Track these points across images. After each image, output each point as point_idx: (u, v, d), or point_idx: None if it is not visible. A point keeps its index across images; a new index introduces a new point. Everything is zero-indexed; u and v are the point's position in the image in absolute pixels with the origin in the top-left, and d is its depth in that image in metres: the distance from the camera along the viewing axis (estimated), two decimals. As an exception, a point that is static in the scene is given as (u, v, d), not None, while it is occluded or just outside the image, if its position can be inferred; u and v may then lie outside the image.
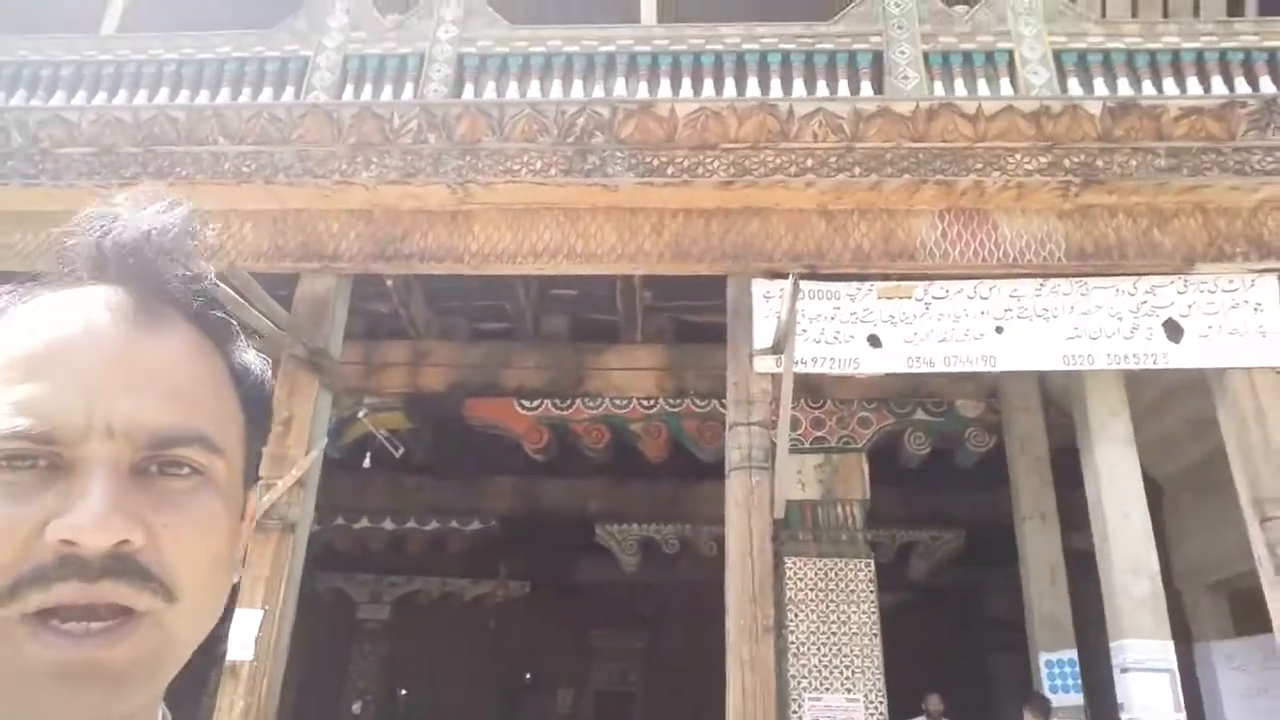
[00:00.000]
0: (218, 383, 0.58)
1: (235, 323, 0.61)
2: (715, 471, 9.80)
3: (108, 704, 0.49)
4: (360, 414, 7.10)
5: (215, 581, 0.55)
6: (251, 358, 0.62)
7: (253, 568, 5.23)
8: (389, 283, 6.97)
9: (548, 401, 7.55)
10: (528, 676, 16.57)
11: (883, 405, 7.40)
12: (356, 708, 13.31)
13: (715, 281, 6.46)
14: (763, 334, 5.39)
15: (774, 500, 5.02)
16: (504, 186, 5.73)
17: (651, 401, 7.48)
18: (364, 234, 5.99)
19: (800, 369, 5.20)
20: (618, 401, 7.51)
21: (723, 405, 7.35)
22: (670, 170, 5.59)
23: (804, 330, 5.27)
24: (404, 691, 15.31)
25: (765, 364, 5.29)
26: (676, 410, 7.45)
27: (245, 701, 4.96)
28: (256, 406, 0.62)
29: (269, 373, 0.64)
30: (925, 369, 5.33)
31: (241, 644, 5.07)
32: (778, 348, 5.16)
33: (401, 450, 7.57)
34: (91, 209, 0.55)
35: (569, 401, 7.54)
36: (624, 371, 7.58)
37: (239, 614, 5.12)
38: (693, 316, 7.86)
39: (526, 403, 7.55)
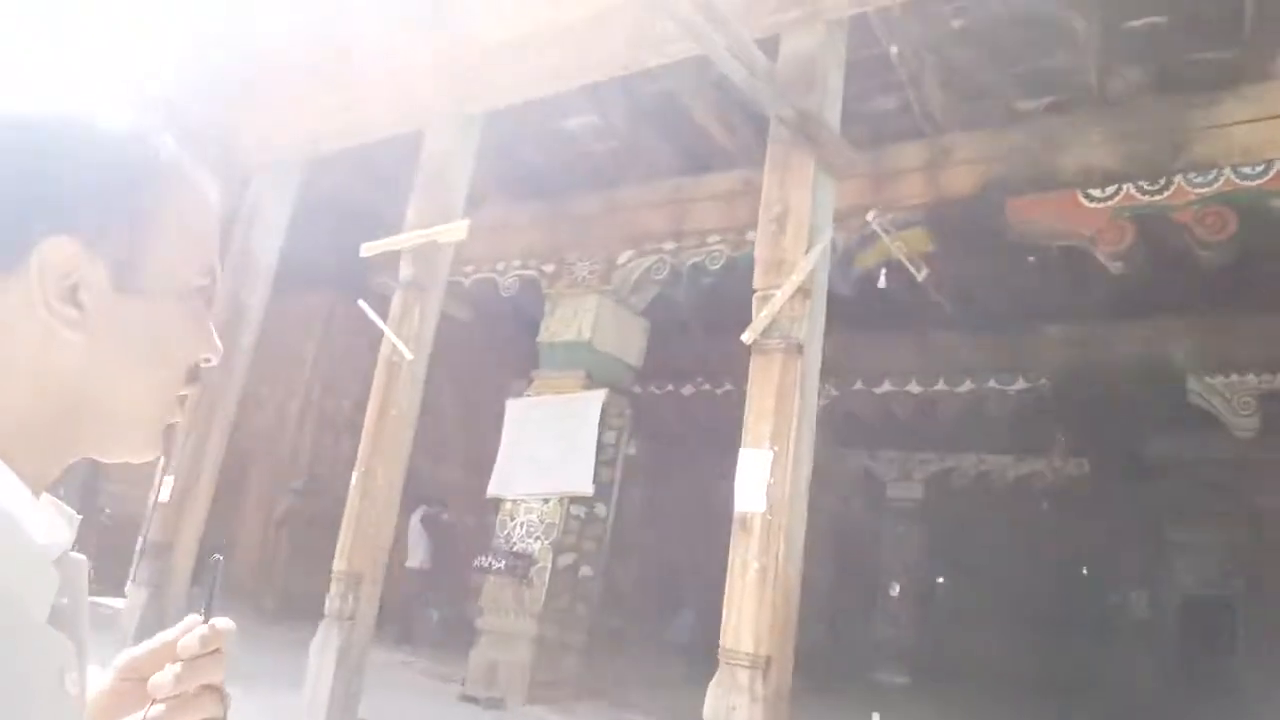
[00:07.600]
0: None
1: None
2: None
3: None
4: (876, 227, 5.66)
5: None
6: None
7: (756, 398, 4.18)
8: (894, 53, 5.40)
9: (1129, 186, 5.37)
10: (1084, 571, 14.18)
11: None
12: (895, 590, 12.43)
13: None
14: None
15: None
16: None
17: (1309, 163, 4.91)
18: (856, -36, 4.49)
19: None
20: (1244, 170, 5.06)
21: None
22: None
23: None
24: (941, 580, 14.18)
25: None
26: (1358, 172, 4.78)
27: (760, 563, 3.95)
28: None
29: None
30: None
31: (750, 491, 4.06)
32: None
33: (925, 272, 6.00)
34: None
35: (1162, 182, 5.28)
36: (1253, 125, 5.11)
37: (744, 454, 4.11)
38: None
39: (1095, 192, 5.45)
